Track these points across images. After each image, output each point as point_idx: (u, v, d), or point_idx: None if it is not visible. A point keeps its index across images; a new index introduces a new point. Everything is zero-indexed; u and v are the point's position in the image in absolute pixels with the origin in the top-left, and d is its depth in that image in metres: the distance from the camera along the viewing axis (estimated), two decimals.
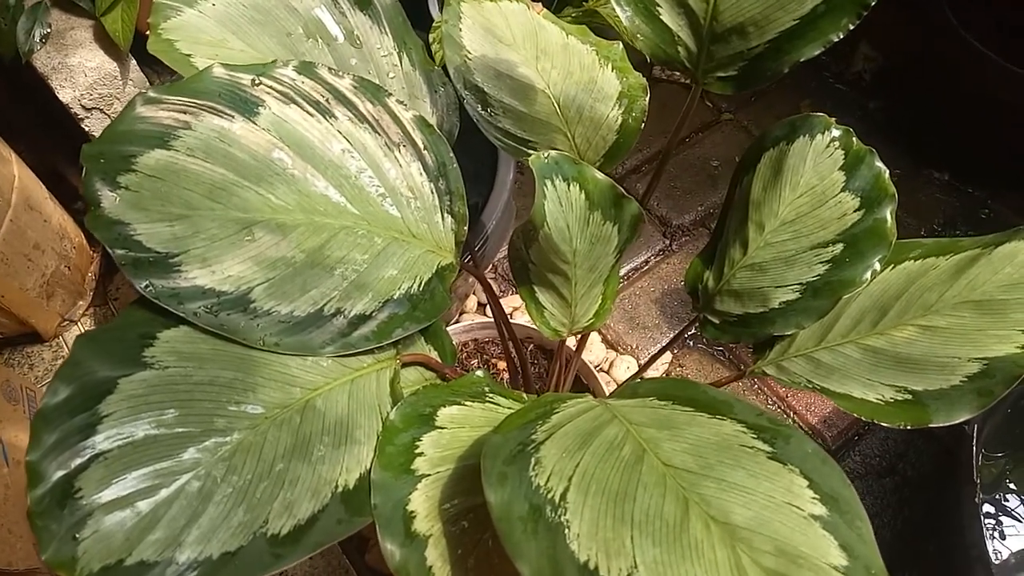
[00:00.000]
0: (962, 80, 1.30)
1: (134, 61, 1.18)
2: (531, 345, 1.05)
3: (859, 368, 0.58)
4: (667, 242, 1.40)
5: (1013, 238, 0.57)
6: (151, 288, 0.48)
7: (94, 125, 1.19)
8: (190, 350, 0.49)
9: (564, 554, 0.41)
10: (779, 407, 1.22)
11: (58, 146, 1.40)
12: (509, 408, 0.62)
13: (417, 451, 0.54)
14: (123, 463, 0.43)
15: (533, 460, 0.47)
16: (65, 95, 1.14)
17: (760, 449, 0.46)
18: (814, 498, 0.43)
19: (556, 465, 0.47)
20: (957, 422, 0.51)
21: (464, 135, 0.76)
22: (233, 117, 0.56)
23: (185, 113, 0.55)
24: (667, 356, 1.28)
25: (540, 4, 0.81)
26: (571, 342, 0.82)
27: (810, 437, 1.18)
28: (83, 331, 1.36)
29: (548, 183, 0.57)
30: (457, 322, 1.18)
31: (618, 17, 0.56)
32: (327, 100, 0.61)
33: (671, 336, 1.30)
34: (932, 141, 1.43)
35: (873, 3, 0.45)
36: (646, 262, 1.37)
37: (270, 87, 0.58)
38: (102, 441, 0.43)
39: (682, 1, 0.51)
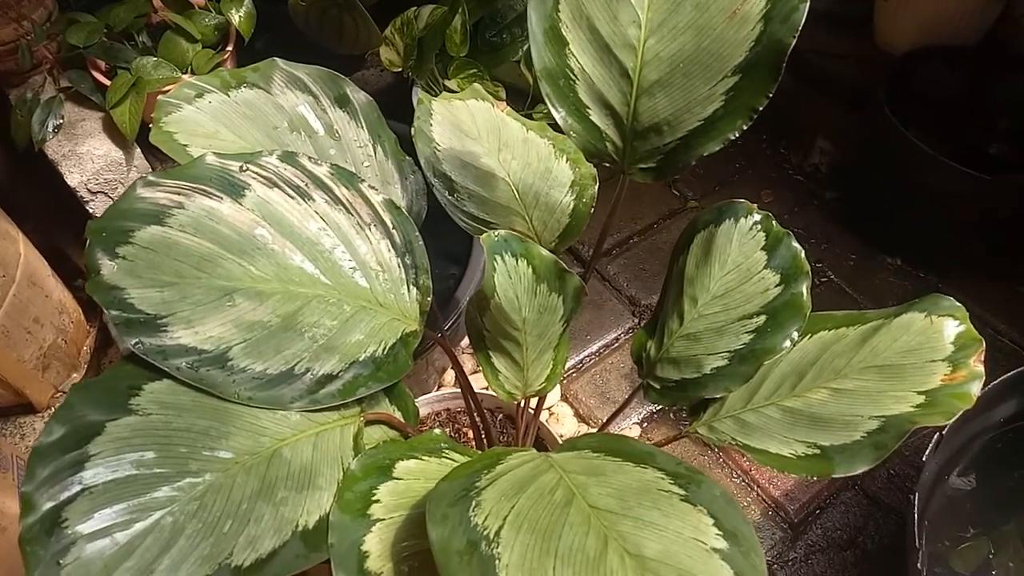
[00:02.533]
0: (907, 172, 1.41)
1: (139, 149, 1.28)
2: (500, 415, 1.11)
3: (779, 427, 0.64)
4: (636, 320, 1.47)
5: (909, 309, 0.64)
6: (140, 345, 0.55)
7: (98, 207, 1.28)
8: (172, 400, 0.55)
9: None
10: (743, 480, 1.26)
11: (63, 227, 1.49)
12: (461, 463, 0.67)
13: (374, 498, 0.59)
14: (106, 497, 0.49)
15: (474, 503, 0.53)
16: (73, 179, 1.23)
17: (675, 492, 0.52)
18: (718, 534, 0.48)
19: (494, 507, 0.52)
20: (857, 472, 0.57)
21: (443, 219, 0.84)
22: (222, 198, 0.64)
23: (179, 194, 0.63)
24: (636, 431, 1.33)
25: (504, 103, 0.91)
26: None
27: (773, 509, 1.21)
28: None
29: (498, 258, 0.65)
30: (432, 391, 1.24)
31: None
32: (306, 185, 0.69)
33: (640, 411, 1.35)
34: (885, 229, 1.52)
35: (761, 108, 0.54)
36: (616, 339, 1.44)
37: (256, 173, 0.67)
38: (89, 477, 0.49)
39: (607, 104, 0.60)
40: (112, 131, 1.26)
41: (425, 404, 1.09)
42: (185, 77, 1.30)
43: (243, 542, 0.51)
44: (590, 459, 0.58)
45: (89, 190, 1.25)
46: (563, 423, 1.32)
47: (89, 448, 0.50)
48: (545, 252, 0.67)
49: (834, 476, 0.57)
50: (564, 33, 0.59)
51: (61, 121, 1.25)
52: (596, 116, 0.61)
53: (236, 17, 1.25)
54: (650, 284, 1.51)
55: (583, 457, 0.59)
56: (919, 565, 0.89)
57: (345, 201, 0.70)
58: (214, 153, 0.66)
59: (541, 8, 0.59)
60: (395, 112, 1.49)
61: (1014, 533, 1.06)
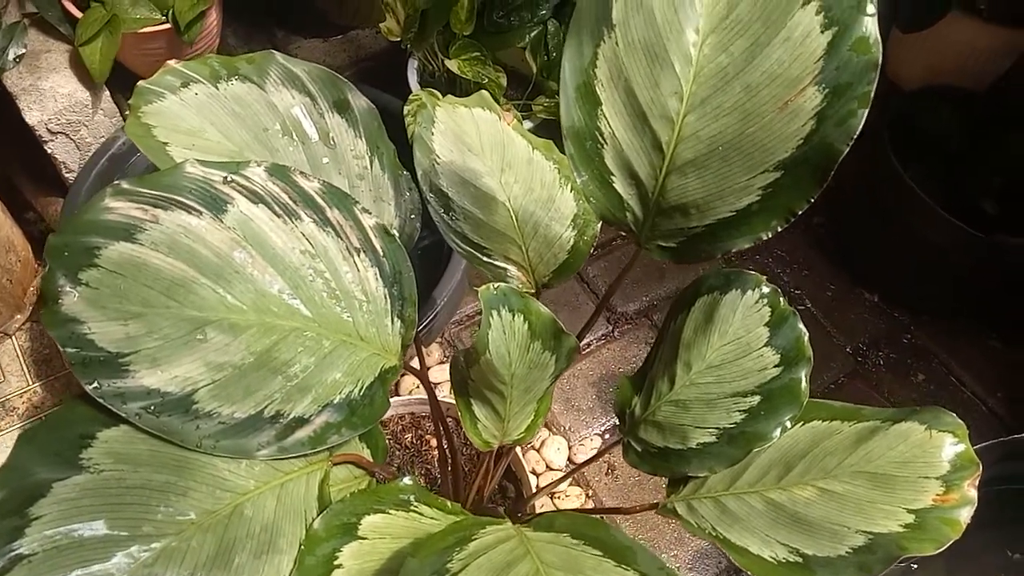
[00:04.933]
0: (899, 214, 1.39)
1: (107, 91, 1.19)
2: None
3: (761, 521, 0.63)
4: (610, 328, 1.44)
5: (909, 417, 0.62)
6: (97, 388, 0.50)
7: (57, 149, 1.19)
8: (127, 451, 0.50)
9: None
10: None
11: (15, 158, 1.39)
12: (433, 518, 0.64)
13: (336, 562, 0.56)
14: (47, 566, 0.44)
15: None
16: (32, 117, 1.13)
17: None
18: None
19: None
20: None
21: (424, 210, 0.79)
22: (201, 213, 0.58)
23: (155, 207, 0.57)
24: (597, 442, 1.31)
25: (511, 115, 0.86)
26: None
27: None
28: (18, 344, 1.34)
29: (495, 313, 0.61)
30: (397, 395, 1.21)
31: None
32: (295, 203, 0.63)
33: (604, 421, 1.34)
34: (866, 263, 1.51)
35: (799, 212, 0.50)
36: (588, 345, 1.42)
37: (241, 186, 0.61)
38: (28, 543, 0.44)
39: (634, 174, 0.56)
40: (79, 68, 1.16)
41: (390, 407, 1.05)
42: (165, 27, 1.20)
43: None
44: (569, 547, 0.56)
45: (49, 130, 1.16)
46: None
47: (31, 511, 0.45)
48: (544, 309, 0.63)
49: None
50: (599, 92, 0.54)
51: (23, 51, 1.14)
52: (620, 185, 0.56)
53: None
54: (629, 292, 1.49)
55: (561, 543, 0.56)
56: None
57: (335, 223, 0.65)
58: (196, 160, 0.59)
59: (577, 62, 0.53)
60: (387, 81, 1.42)
61: None
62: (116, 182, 0.56)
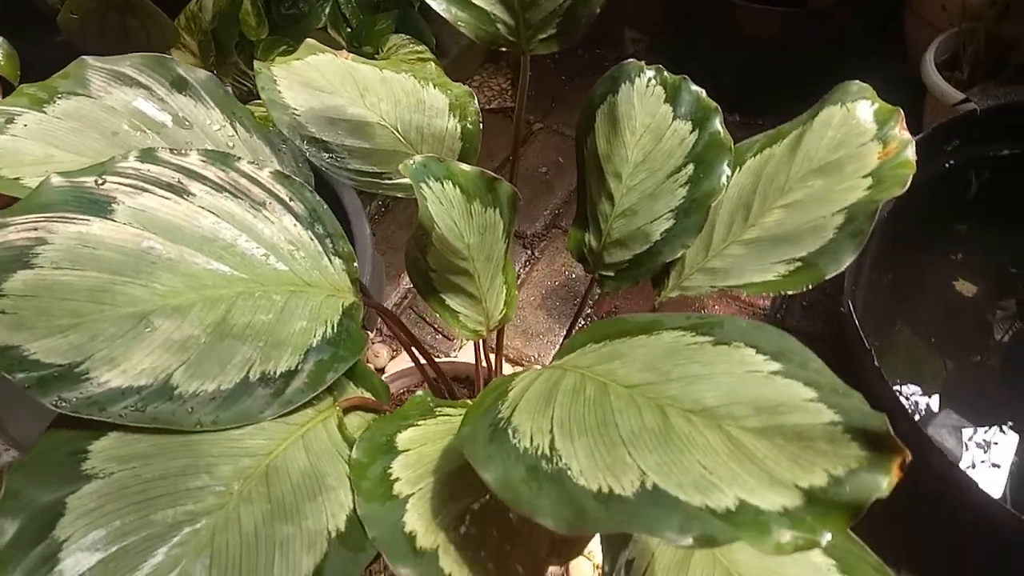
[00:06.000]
0: (723, 30, 1.47)
1: None
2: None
3: (749, 259, 0.64)
4: (530, 252, 1.45)
5: (824, 106, 0.65)
6: (64, 403, 0.45)
7: None
8: (129, 452, 0.45)
9: (576, 492, 0.42)
10: None
11: None
12: (460, 415, 0.62)
13: (392, 477, 0.53)
14: None
15: (510, 431, 0.48)
16: None
17: (703, 342, 0.50)
18: (766, 359, 0.46)
19: (532, 426, 0.48)
20: (845, 267, 0.57)
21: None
22: (89, 220, 0.54)
23: (36, 229, 0.52)
24: None
25: (345, 51, 0.84)
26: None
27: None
28: None
29: (423, 185, 0.59)
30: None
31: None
32: (178, 181, 0.59)
33: (564, 332, 1.34)
34: (717, 91, 1.59)
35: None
36: (518, 275, 1.41)
37: (117, 182, 0.56)
38: (71, 569, 0.39)
39: None
40: None
41: None
42: None
43: (279, 570, 0.44)
44: (598, 350, 0.55)
45: None
46: (499, 372, 1.28)
47: (56, 534, 0.40)
48: (466, 167, 0.62)
49: (825, 279, 0.58)
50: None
51: None
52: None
53: None
54: (529, 214, 1.50)
55: (590, 351, 0.55)
56: (875, 363, 0.94)
57: (228, 186, 0.61)
58: (58, 173, 0.55)
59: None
60: None
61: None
62: None
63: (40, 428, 1.09)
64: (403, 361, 1.27)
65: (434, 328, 1.38)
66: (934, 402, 1.14)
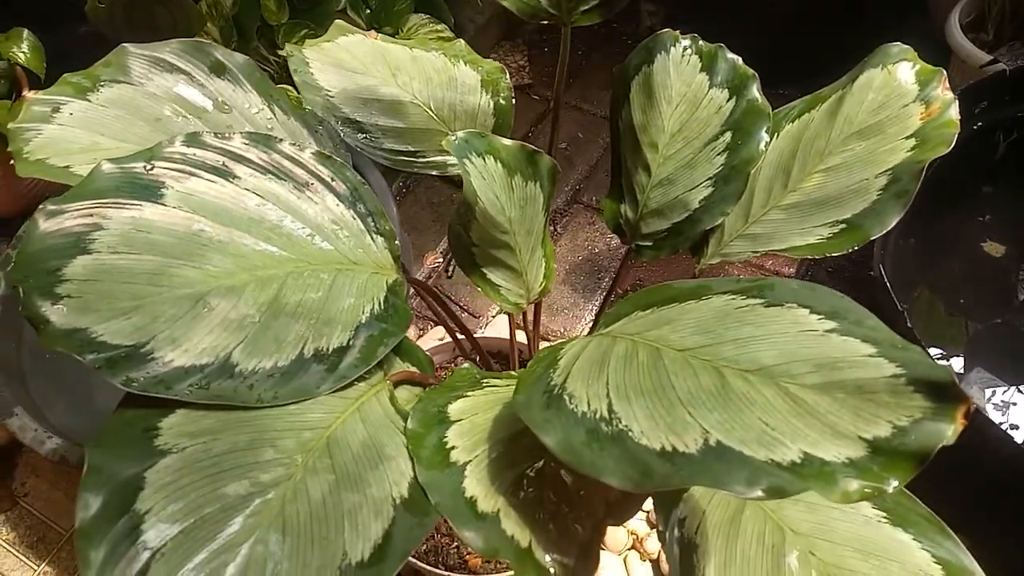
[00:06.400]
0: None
1: None
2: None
3: (789, 224, 0.64)
4: (552, 227, 1.45)
5: (864, 69, 0.65)
6: (134, 383, 0.46)
7: None
8: (197, 428, 0.46)
9: (639, 451, 0.43)
10: None
11: None
12: (508, 386, 0.63)
13: (448, 446, 0.54)
14: (181, 553, 0.41)
15: (566, 397, 0.49)
16: None
17: (754, 304, 0.50)
18: (820, 318, 0.47)
19: (588, 391, 0.49)
20: (890, 226, 0.57)
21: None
22: (141, 205, 0.55)
23: (91, 215, 0.53)
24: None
25: (375, 31, 0.84)
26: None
27: None
28: (2, 540, 1.23)
29: (467, 161, 0.60)
30: None
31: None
32: (224, 164, 0.60)
33: (591, 309, 1.34)
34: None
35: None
36: None
37: (165, 167, 0.57)
38: (153, 539, 0.40)
39: None
40: None
41: None
42: None
43: (350, 537, 0.45)
44: (647, 316, 0.55)
45: None
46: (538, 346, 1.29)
47: (138, 507, 0.41)
48: (508, 141, 0.63)
49: (872, 239, 0.58)
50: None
51: None
52: None
53: (21, 55, 1.08)
54: None
55: (637, 318, 0.56)
56: (908, 325, 0.94)
57: (272, 168, 0.62)
58: (108, 160, 0.55)
59: None
60: None
61: None
62: (42, 206, 0.52)
63: (76, 418, 1.11)
64: (430, 339, 1.28)
65: (459, 306, 1.38)
66: (957, 363, 1.14)
